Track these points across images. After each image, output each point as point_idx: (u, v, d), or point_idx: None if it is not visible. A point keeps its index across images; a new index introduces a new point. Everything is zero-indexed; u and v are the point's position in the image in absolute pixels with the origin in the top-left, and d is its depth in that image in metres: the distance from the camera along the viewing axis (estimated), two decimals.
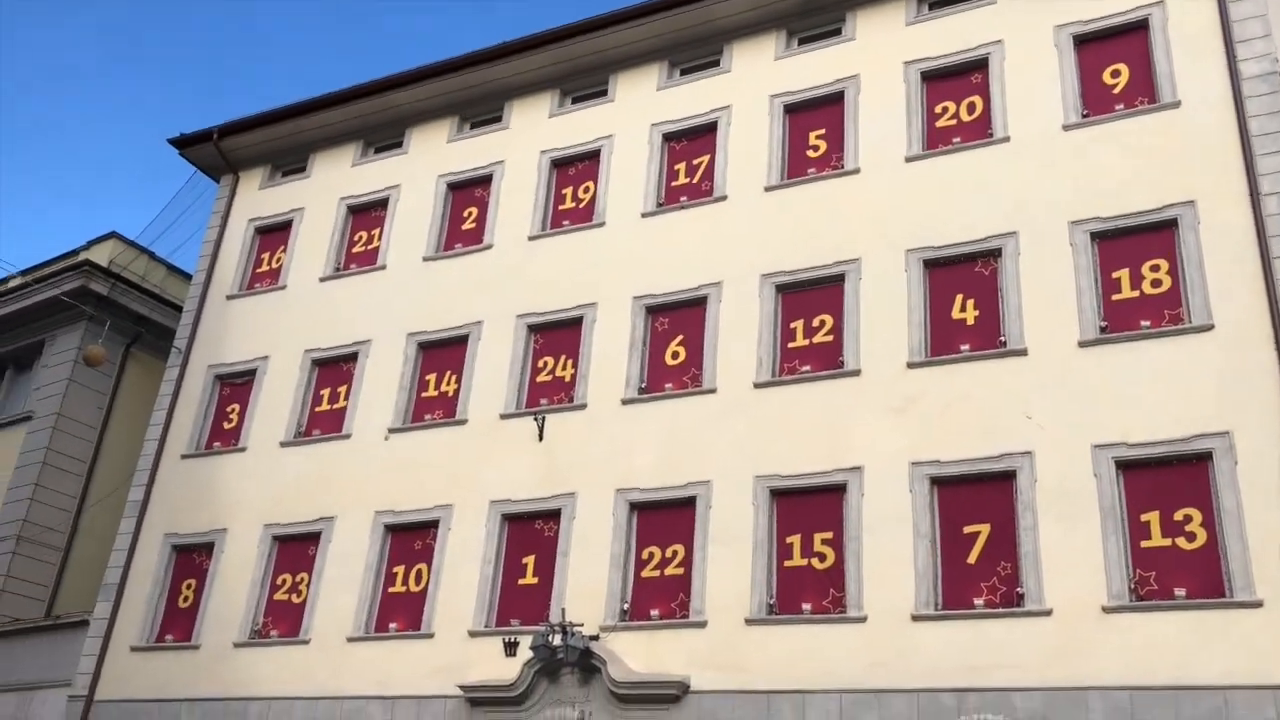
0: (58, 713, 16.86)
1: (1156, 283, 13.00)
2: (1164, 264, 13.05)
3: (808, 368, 14.39)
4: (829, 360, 14.30)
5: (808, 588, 13.15)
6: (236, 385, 18.74)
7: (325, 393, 17.85)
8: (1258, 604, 10.97)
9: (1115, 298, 13.11)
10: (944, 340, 13.77)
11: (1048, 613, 11.72)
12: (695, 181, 16.64)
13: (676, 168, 16.93)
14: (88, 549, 19.98)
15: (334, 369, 17.96)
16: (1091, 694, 11.19)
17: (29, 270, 22.55)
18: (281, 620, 16.19)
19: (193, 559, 17.40)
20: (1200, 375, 12.12)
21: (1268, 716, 10.52)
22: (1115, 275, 13.22)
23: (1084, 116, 14.22)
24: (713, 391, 14.68)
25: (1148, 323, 12.76)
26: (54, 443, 20.31)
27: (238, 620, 16.30)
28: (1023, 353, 13.11)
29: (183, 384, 19.00)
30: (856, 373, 13.91)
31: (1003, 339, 13.41)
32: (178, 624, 16.98)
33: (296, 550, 16.56)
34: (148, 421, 19.18)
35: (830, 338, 14.46)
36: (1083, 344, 12.84)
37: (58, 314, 21.29)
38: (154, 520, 17.86)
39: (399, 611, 15.40)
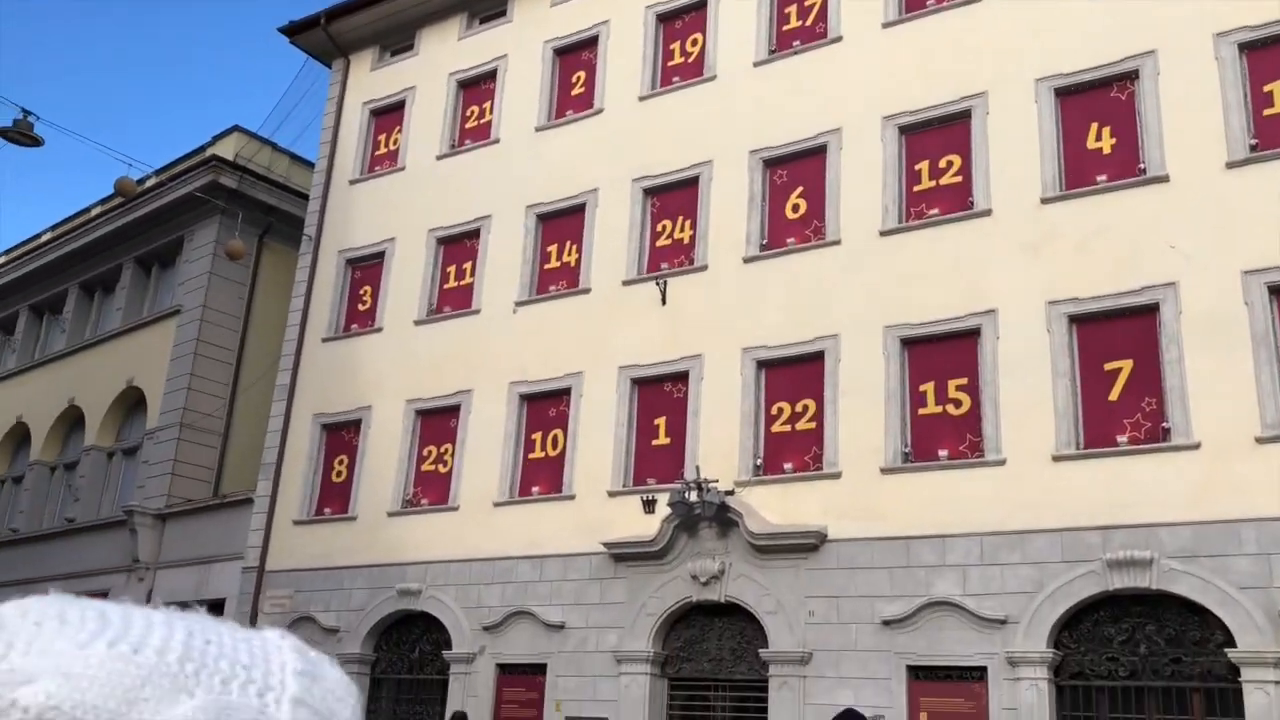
0: (234, 582, 18.18)
1: None
2: None
3: (936, 211, 13.96)
4: (958, 201, 13.84)
5: (944, 434, 13.04)
6: (367, 268, 19.24)
7: (451, 270, 18.19)
8: None
9: (1267, 113, 12.24)
10: (1079, 172, 13.14)
11: (1196, 446, 11.39)
12: (808, 24, 16.01)
13: (787, 11, 16.29)
14: (244, 432, 21.15)
15: (458, 246, 18.24)
16: (1244, 526, 10.91)
17: (162, 170, 23.31)
18: (430, 489, 16.93)
19: (342, 436, 18.24)
20: None
21: None
22: (1267, 89, 12.32)
23: None
24: (837, 243, 14.41)
25: None
26: (203, 334, 21.35)
27: (389, 491, 17.12)
28: (1164, 179, 12.44)
29: (316, 270, 19.60)
30: (988, 212, 13.45)
31: (1142, 166, 12.73)
32: (334, 498, 17.94)
33: (439, 423, 17.19)
34: (287, 308, 19.94)
35: (958, 178, 13.96)
36: (1230, 165, 12.09)
37: (192, 210, 22.08)
38: (303, 402, 18.73)
39: (540, 476, 15.92)
